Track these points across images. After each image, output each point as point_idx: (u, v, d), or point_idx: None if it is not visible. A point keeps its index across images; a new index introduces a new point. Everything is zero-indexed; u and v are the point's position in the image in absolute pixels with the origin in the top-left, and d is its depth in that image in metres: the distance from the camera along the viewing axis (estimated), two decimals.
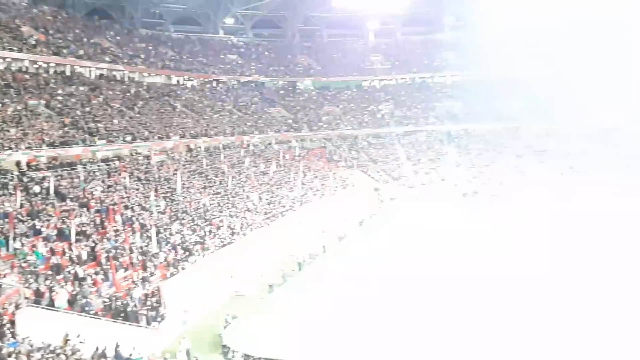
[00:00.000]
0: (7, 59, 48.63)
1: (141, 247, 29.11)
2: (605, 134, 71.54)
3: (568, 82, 67.65)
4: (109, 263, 25.83)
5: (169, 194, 38.39)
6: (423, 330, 24.16)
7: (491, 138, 76.19)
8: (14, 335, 19.27)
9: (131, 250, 28.25)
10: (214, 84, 76.65)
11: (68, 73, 54.64)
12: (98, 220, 30.29)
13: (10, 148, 35.36)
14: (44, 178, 32.95)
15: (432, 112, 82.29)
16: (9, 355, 17.50)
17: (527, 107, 75.27)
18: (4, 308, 20.41)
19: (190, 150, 53.29)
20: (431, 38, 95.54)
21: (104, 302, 23.54)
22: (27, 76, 48.78)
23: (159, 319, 23.36)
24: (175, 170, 43.05)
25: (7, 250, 24.89)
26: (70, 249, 26.28)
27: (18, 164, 34.57)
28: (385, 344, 22.94)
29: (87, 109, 48.54)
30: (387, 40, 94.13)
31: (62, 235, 27.23)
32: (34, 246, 25.49)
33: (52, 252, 25.47)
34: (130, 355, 20.48)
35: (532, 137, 74.78)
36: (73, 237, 26.94)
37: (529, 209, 49.64)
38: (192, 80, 73.90)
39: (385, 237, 42.96)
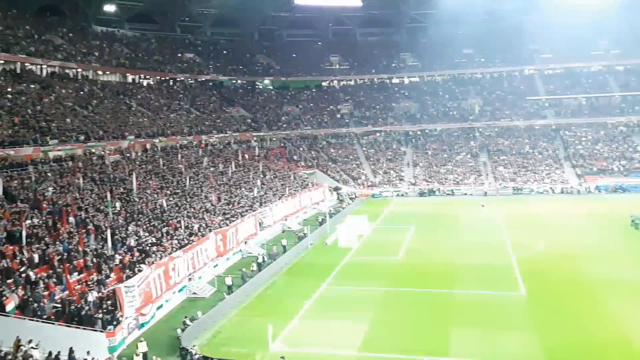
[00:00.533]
0: None
1: (96, 250, 28.48)
2: (553, 133, 74.14)
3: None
4: (62, 266, 25.17)
5: (124, 195, 37.64)
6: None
7: (447, 138, 77.81)
8: None
9: (85, 253, 27.61)
10: (171, 83, 75.53)
11: (18, 70, 52.88)
12: (50, 222, 29.47)
13: None
14: None
15: (391, 112, 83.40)
16: None
17: (482, 107, 77.30)
18: None
19: (146, 150, 52.38)
20: (389, 39, 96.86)
21: (56, 306, 22.93)
22: None
23: (114, 322, 22.93)
24: (131, 170, 42.25)
25: None
26: (21, 252, 25.48)
27: None
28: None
29: (39, 107, 47.05)
30: (345, 41, 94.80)
31: (12, 238, 26.37)
32: None
33: (2, 255, 24.64)
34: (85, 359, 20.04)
35: (487, 136, 76.79)
36: (24, 240, 26.14)
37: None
38: (148, 78, 72.62)
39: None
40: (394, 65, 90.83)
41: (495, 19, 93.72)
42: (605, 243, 38.99)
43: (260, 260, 35.25)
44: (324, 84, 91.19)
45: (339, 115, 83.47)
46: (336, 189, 66.19)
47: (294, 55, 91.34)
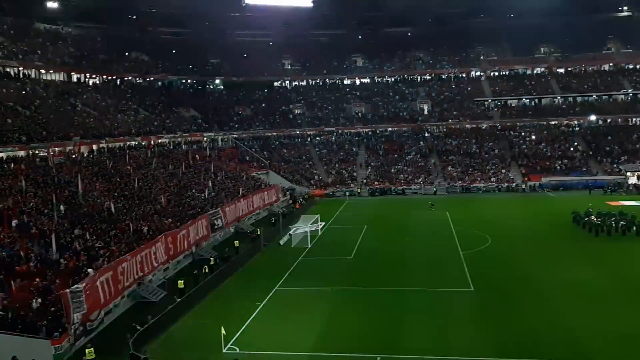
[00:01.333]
0: None
1: (40, 255, 27.44)
2: (499, 133, 76.47)
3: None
4: (4, 272, 24.12)
5: (70, 198, 36.43)
6: None
7: (398, 138, 79.03)
8: None
9: (29, 258, 26.56)
10: (118, 82, 73.61)
11: None
12: None
13: None
14: None
15: (343, 113, 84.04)
16: None
17: (431, 108, 78.93)
18: None
19: (92, 151, 50.88)
20: (340, 41, 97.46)
21: None
22: None
23: (60, 329, 22.15)
24: (77, 172, 40.89)
25: None
26: None
27: None
28: None
29: None
30: (297, 42, 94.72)
31: None
32: None
33: None
34: None
35: (436, 137, 78.47)
36: None
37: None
38: (94, 78, 70.53)
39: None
40: (345, 66, 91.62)
41: (443, 22, 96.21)
42: (549, 239, 40.49)
43: (212, 262, 34.82)
44: (276, 84, 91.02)
45: (291, 116, 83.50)
46: (289, 189, 66.19)
47: (245, 56, 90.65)
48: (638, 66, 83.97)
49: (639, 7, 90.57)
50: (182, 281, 30.40)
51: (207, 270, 33.38)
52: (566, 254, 36.09)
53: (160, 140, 63.22)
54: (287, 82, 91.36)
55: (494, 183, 66.95)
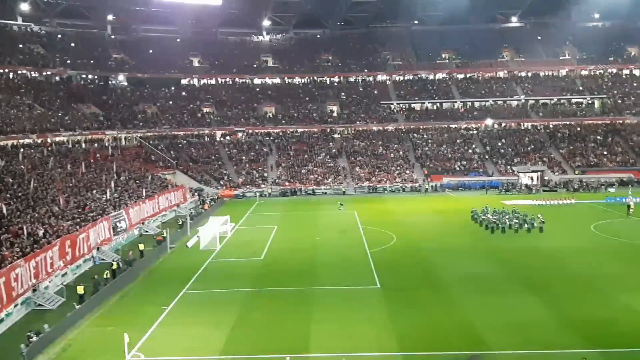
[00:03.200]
0: None
1: None
2: (403, 135, 79.39)
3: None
4: None
5: None
6: None
7: (308, 139, 79.77)
8: None
9: None
10: (11, 76, 68.54)
11: None
12: None
13: None
14: None
15: (253, 113, 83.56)
16: None
17: (340, 111, 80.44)
18: None
19: None
20: (250, 40, 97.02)
21: None
22: None
23: None
24: None
25: None
26: None
27: None
28: None
29: None
30: (206, 39, 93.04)
31: None
32: None
33: None
34: None
35: (344, 138, 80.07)
36: None
37: None
38: None
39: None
40: (255, 66, 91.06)
41: (352, 26, 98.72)
42: (450, 236, 42.59)
43: (115, 267, 33.37)
44: (183, 82, 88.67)
45: (199, 115, 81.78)
46: (197, 190, 64.85)
47: (151, 52, 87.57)
48: (529, 74, 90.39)
49: (530, 19, 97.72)
50: (82, 287, 28.90)
51: (109, 275, 31.95)
52: (465, 250, 38.12)
53: (58, 139, 59.63)
54: (196, 80, 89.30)
55: (399, 183, 69.42)
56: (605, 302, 26.72)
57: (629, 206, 50.14)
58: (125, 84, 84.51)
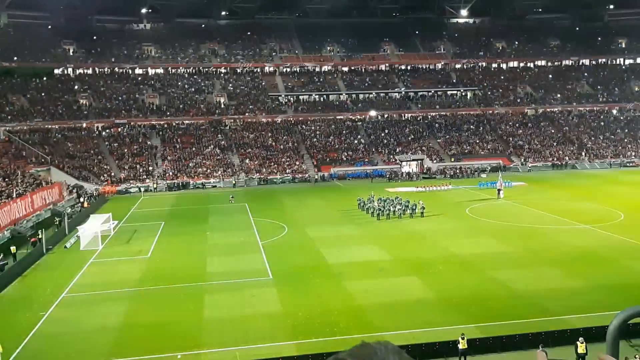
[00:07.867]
0: None
1: None
2: (292, 127, 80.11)
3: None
4: None
5: None
6: None
7: (195, 132, 77.86)
8: None
9: None
10: None
11: None
12: None
13: None
14: None
15: (135, 104, 79.90)
16: None
17: (228, 102, 79.28)
18: None
19: None
20: (129, 29, 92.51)
21: None
22: None
23: None
24: None
25: None
26: None
27: None
28: None
29: None
30: (81, 26, 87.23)
31: None
32: None
33: None
34: None
35: (233, 130, 79.18)
36: None
37: None
38: None
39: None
40: (136, 55, 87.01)
41: (237, 15, 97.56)
42: (339, 224, 43.75)
43: None
44: (57, 71, 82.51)
45: (75, 107, 76.68)
46: (76, 186, 60.94)
47: (20, 39, 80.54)
48: (409, 67, 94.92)
49: (409, 14, 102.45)
50: None
51: None
52: (354, 236, 39.39)
53: None
54: (70, 69, 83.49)
55: (289, 174, 70.04)
56: (479, 279, 28.98)
57: (499, 190, 54.51)
58: None
